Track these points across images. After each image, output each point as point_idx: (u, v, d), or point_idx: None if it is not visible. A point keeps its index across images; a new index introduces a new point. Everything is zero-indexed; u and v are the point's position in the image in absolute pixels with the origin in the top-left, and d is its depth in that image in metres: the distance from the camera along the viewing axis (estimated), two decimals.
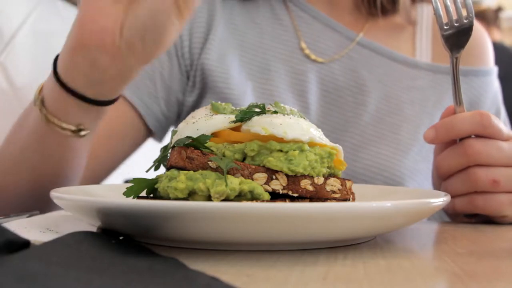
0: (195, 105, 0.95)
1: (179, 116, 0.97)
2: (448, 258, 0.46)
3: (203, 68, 0.92)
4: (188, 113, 0.93)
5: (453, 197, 0.67)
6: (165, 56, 0.93)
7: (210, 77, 0.91)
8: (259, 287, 0.36)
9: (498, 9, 3.67)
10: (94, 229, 0.50)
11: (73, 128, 0.64)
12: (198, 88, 0.93)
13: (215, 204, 0.42)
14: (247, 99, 0.89)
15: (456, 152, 0.67)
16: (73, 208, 0.51)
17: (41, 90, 0.65)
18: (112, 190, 0.65)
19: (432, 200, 0.50)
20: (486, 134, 0.66)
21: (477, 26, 1.03)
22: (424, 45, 1.00)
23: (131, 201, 0.44)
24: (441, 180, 0.71)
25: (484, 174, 0.65)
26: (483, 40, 1.03)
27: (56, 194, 0.51)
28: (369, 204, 0.45)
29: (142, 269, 0.36)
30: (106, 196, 0.61)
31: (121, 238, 0.48)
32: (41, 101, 0.64)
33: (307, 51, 0.95)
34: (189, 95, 0.95)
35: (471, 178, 0.66)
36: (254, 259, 0.44)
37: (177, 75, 0.94)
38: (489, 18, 3.48)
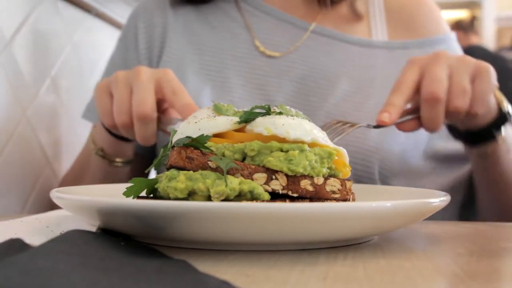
0: None
1: None
2: (448, 258, 0.46)
3: None
4: None
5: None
6: None
7: None
8: (259, 287, 0.36)
9: (473, 18, 4.10)
10: (94, 229, 0.50)
11: (124, 160, 0.91)
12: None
13: (215, 204, 0.42)
14: (204, 101, 0.92)
15: (430, 109, 0.72)
16: (73, 208, 0.51)
17: (94, 142, 0.90)
18: (112, 190, 0.65)
19: (431, 200, 0.50)
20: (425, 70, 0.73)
21: None
22: (379, 24, 1.02)
23: (131, 201, 0.44)
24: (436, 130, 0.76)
25: (459, 100, 0.71)
26: (430, 8, 1.05)
27: (57, 194, 0.51)
28: (369, 204, 0.45)
29: (151, 271, 0.36)
30: (106, 196, 0.61)
31: (120, 238, 0.47)
32: (101, 150, 0.89)
33: (262, 49, 0.98)
34: None
35: (455, 111, 0.72)
36: (254, 259, 0.44)
37: None
38: (466, 26, 3.81)
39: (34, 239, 0.43)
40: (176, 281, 0.34)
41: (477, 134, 0.80)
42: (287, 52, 0.97)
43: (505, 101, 0.79)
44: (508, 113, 0.79)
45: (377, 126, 0.74)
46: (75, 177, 0.97)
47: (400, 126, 0.75)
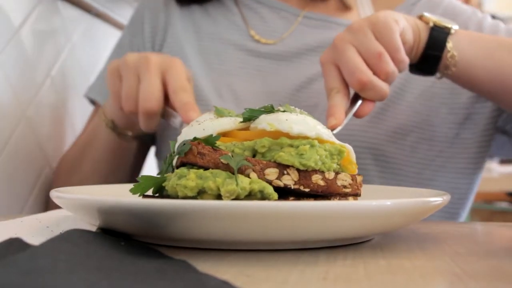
0: None
1: None
2: (448, 258, 0.46)
3: None
4: None
5: None
6: None
7: None
8: (259, 287, 0.36)
9: None
10: (93, 229, 0.50)
11: (132, 133, 0.93)
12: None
13: (214, 203, 0.42)
14: (204, 84, 0.96)
15: (367, 92, 0.72)
16: (73, 207, 0.51)
17: (104, 114, 0.92)
18: (112, 190, 0.65)
19: (431, 199, 0.50)
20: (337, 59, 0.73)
21: None
22: (367, 11, 1.04)
23: (131, 200, 0.44)
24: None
25: (383, 65, 0.71)
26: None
27: (56, 194, 0.51)
28: (369, 202, 0.45)
29: (151, 271, 0.36)
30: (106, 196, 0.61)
31: (120, 238, 0.47)
32: (112, 122, 0.91)
33: (257, 37, 1.02)
34: None
35: (388, 74, 0.72)
36: (254, 259, 0.44)
37: None
38: None
39: (34, 239, 0.43)
40: (176, 281, 0.34)
41: (423, 62, 0.80)
42: (281, 39, 1.01)
43: (435, 20, 0.78)
44: (438, 27, 0.78)
45: (333, 130, 0.73)
46: (77, 156, 1.00)
47: (357, 114, 0.75)
